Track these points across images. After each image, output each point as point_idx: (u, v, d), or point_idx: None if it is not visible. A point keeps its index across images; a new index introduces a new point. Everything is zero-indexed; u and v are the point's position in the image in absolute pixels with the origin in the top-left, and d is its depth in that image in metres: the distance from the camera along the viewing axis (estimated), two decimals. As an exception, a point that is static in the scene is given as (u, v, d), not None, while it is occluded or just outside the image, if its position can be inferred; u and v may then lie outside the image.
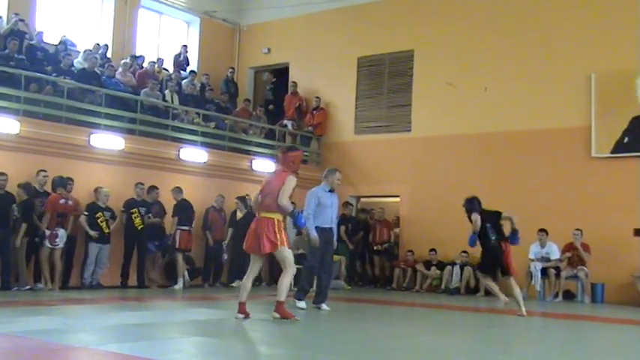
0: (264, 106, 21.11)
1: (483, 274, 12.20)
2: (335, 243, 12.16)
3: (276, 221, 9.24)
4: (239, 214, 16.38)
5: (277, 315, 9.10)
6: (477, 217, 11.63)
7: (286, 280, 9.21)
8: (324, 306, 11.58)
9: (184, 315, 10.49)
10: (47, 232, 13.50)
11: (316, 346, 7.77)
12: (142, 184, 15.36)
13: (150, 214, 15.33)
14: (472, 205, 11.83)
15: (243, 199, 16.35)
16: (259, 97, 22.24)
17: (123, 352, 6.58)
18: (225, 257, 16.50)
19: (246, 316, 9.39)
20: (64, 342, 7.21)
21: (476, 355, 7.40)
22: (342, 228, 18.29)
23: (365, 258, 18.72)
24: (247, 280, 9.61)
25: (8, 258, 13.12)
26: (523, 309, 11.57)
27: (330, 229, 11.73)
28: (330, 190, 11.63)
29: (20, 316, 9.51)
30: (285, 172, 9.50)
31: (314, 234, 11.35)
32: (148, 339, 7.63)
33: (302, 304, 11.37)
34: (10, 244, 13.16)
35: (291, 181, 9.33)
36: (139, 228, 15.11)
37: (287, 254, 9.27)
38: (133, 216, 15.07)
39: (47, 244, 13.51)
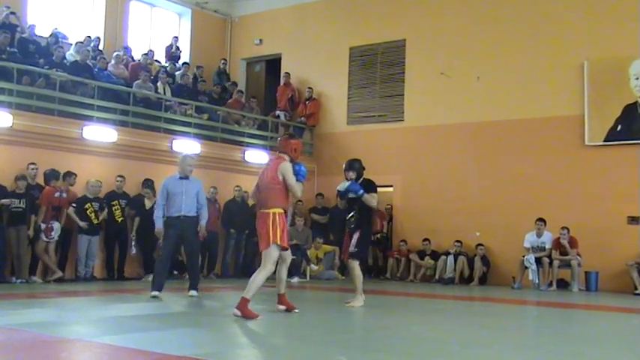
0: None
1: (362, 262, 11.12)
2: (203, 229, 11.61)
3: (271, 215, 8.77)
4: (148, 203, 15.05)
5: (238, 312, 8.50)
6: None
7: (259, 277, 8.71)
8: (192, 292, 11.40)
9: (178, 306, 10.48)
10: (42, 226, 13.53)
11: (310, 336, 7.78)
12: (122, 176, 15.27)
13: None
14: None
15: (152, 186, 15.31)
16: (252, 88, 22.20)
17: (117, 344, 6.59)
18: (134, 250, 15.27)
19: (289, 307, 9.32)
20: (59, 334, 7.22)
21: (471, 343, 7.41)
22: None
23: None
24: (280, 272, 9.33)
25: (4, 251, 13.14)
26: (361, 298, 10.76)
27: (184, 217, 11.19)
28: (183, 177, 11.26)
29: (15, 308, 9.51)
30: (280, 158, 9.08)
31: (158, 225, 11.09)
32: (142, 331, 7.64)
33: (155, 293, 10.96)
34: (5, 237, 13.19)
35: (288, 165, 8.92)
36: (119, 220, 15.13)
37: (272, 253, 8.75)
38: (114, 208, 15.07)
39: (43, 237, 13.55)
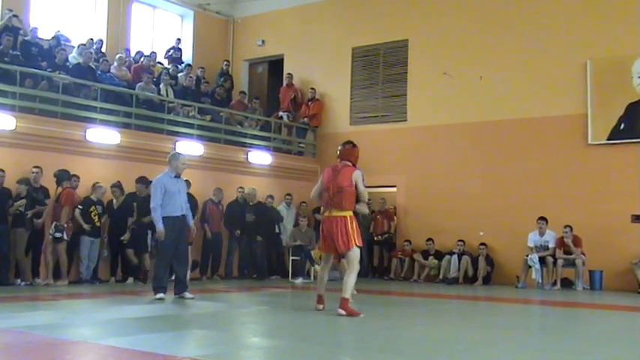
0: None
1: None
2: (194, 229, 11.65)
3: (349, 218, 9.30)
4: (115, 202, 14.97)
5: (343, 312, 9.05)
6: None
7: (351, 279, 9.30)
8: (187, 294, 11.19)
9: (182, 308, 10.46)
10: (64, 227, 13.78)
11: (314, 336, 7.78)
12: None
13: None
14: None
15: (118, 186, 14.97)
16: (254, 89, 22.21)
17: (121, 346, 6.60)
18: (105, 253, 14.92)
19: (324, 307, 9.81)
20: (63, 336, 7.21)
21: (475, 343, 7.41)
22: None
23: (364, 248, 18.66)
24: (323, 273, 9.93)
25: (7, 253, 13.16)
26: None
27: (183, 216, 11.15)
28: (176, 176, 11.14)
29: (19, 311, 9.52)
30: (349, 167, 9.51)
31: (160, 226, 10.84)
32: (146, 332, 7.64)
33: (160, 295, 10.91)
34: (10, 240, 13.21)
35: (359, 173, 9.51)
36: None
37: (356, 253, 9.33)
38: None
39: (66, 237, 13.77)
